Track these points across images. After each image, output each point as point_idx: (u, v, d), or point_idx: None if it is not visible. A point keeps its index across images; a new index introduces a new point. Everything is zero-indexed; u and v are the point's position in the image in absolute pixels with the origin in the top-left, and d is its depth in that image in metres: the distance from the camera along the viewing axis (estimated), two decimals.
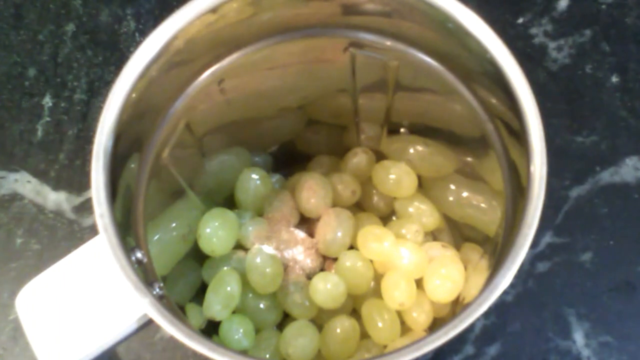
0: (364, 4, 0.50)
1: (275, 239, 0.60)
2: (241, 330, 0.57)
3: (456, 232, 0.62)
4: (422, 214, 0.61)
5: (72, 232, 0.69)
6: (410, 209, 0.62)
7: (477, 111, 0.51)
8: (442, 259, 0.58)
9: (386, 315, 0.57)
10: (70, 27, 0.77)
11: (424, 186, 0.62)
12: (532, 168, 0.44)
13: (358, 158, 0.63)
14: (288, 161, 0.66)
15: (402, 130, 0.61)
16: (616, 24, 0.75)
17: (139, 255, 0.46)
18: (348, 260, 0.59)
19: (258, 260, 0.58)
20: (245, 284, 0.58)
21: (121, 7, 0.78)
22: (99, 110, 0.46)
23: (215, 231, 0.58)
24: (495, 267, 0.44)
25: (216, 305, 0.57)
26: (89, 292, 0.46)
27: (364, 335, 0.58)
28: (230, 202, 0.62)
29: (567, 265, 0.66)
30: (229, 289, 0.57)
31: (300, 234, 0.61)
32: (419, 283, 0.58)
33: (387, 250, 0.58)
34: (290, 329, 0.58)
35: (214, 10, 0.48)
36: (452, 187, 0.60)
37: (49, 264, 0.46)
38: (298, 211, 0.62)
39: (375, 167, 0.62)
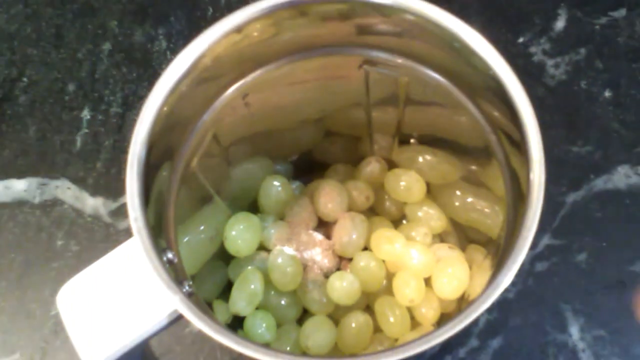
0: (377, 25, 0.50)
1: (295, 240, 0.60)
2: (264, 325, 0.57)
3: (462, 235, 0.62)
4: (430, 217, 0.61)
5: (108, 235, 0.69)
6: (420, 213, 0.61)
7: (481, 123, 0.51)
8: (449, 259, 0.58)
9: (397, 311, 0.57)
10: (107, 46, 0.77)
11: (432, 192, 0.62)
12: (531, 176, 0.44)
13: (371, 166, 0.63)
14: (307, 169, 0.65)
15: (412, 140, 0.61)
16: (609, 43, 0.75)
17: (170, 255, 0.46)
18: (362, 261, 0.58)
19: (279, 260, 0.58)
20: (268, 282, 0.58)
21: (154, 28, 0.78)
22: (133, 122, 0.46)
23: (240, 234, 0.58)
24: (498, 266, 0.44)
25: (241, 301, 0.56)
26: (124, 289, 0.46)
27: (377, 329, 0.58)
28: (254, 207, 0.62)
29: (564, 265, 0.65)
30: (252, 286, 0.57)
31: (319, 236, 0.61)
32: (427, 281, 0.58)
33: (398, 251, 0.58)
34: (309, 324, 0.58)
35: (239, 30, 0.48)
36: (458, 193, 0.60)
37: (87, 264, 0.46)
38: (316, 215, 0.62)
39: (387, 175, 0.62)
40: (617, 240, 0.66)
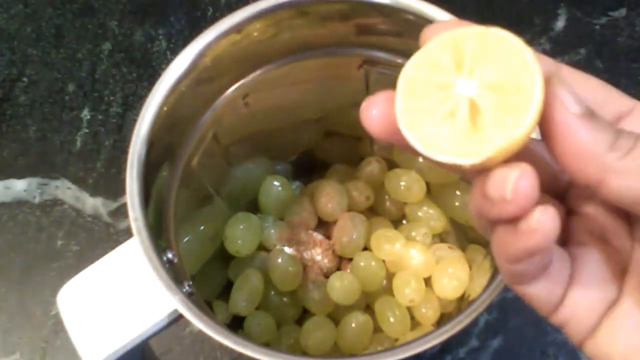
0: (376, 25, 0.50)
1: (295, 240, 0.60)
2: (264, 325, 0.57)
3: (461, 235, 0.62)
4: (430, 217, 0.61)
5: (108, 235, 0.69)
6: (420, 213, 0.61)
7: None
8: (449, 259, 0.58)
9: (397, 310, 0.57)
10: (107, 46, 0.77)
11: (432, 192, 0.62)
12: None
13: (371, 166, 0.63)
14: (307, 169, 0.66)
15: None
16: (608, 43, 0.75)
17: (170, 255, 0.46)
18: (362, 261, 0.59)
19: (279, 260, 0.58)
20: (268, 282, 0.58)
21: (154, 28, 0.78)
22: (133, 122, 0.46)
23: (240, 233, 0.58)
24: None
25: (241, 301, 0.57)
26: (124, 289, 0.46)
27: (377, 329, 0.58)
28: (253, 207, 0.62)
29: None
30: (252, 287, 0.57)
31: (318, 236, 0.61)
32: (427, 281, 0.58)
33: (398, 251, 0.58)
34: (309, 324, 0.58)
35: (238, 30, 0.48)
36: (458, 193, 0.60)
37: (87, 264, 0.46)
38: (316, 215, 0.62)
39: (387, 175, 0.62)
40: None
